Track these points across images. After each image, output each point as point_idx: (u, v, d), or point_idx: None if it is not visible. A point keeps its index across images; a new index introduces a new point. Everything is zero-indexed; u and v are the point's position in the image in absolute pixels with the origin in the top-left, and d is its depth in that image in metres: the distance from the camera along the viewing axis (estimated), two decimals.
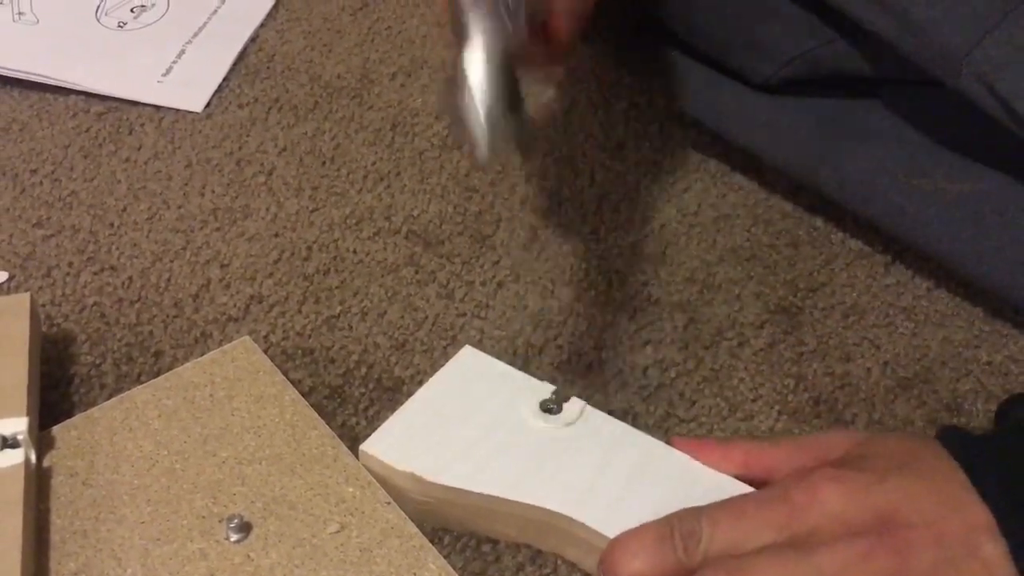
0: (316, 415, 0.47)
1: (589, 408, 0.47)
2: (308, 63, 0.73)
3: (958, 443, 0.42)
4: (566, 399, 0.47)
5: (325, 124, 0.68)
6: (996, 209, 0.53)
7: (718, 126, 0.63)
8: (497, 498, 0.43)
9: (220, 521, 0.42)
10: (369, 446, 0.45)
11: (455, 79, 0.40)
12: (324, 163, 0.65)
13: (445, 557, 0.42)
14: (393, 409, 0.47)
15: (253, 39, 0.75)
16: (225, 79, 0.71)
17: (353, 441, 0.47)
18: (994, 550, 0.39)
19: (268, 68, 0.72)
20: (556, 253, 0.59)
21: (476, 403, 0.47)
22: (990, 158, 0.54)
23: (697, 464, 0.45)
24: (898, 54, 0.50)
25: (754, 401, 0.52)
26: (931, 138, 0.56)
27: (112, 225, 0.60)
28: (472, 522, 0.45)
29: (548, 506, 0.43)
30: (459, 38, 0.41)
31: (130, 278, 0.57)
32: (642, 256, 0.59)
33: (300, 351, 0.53)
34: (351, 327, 0.55)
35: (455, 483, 0.43)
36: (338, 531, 0.42)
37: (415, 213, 0.61)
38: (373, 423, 0.49)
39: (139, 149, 0.65)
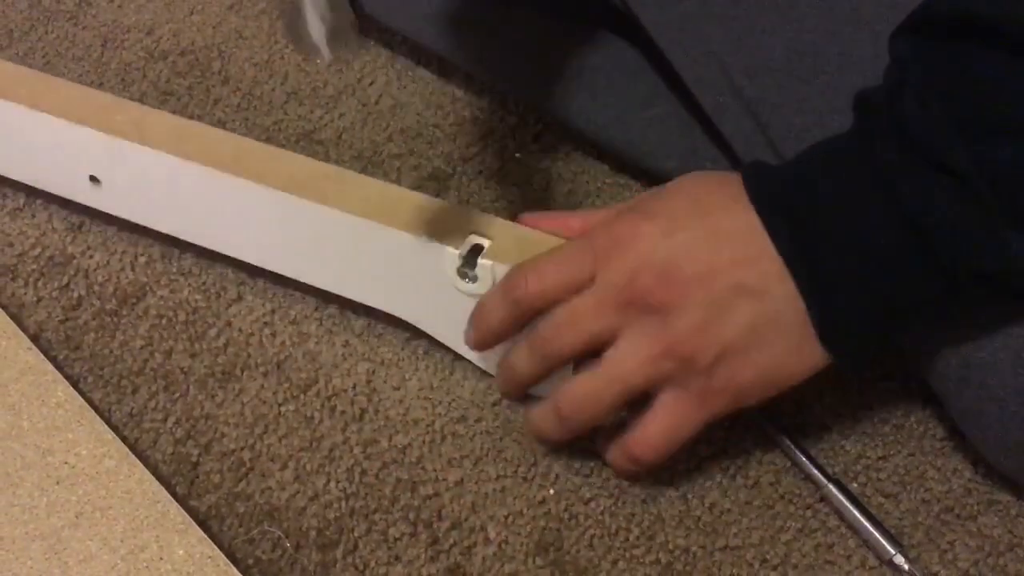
0: None
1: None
2: None
3: (756, 180, 0.44)
4: None
5: (38, 45, 0.73)
6: (607, 78, 0.62)
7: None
8: None
9: None
10: None
11: None
12: None
13: None
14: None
15: None
16: None
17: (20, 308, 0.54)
18: (782, 291, 0.42)
19: None
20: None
21: None
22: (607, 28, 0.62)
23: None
24: None
25: None
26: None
27: None
28: None
29: None
30: None
31: None
32: (315, 140, 0.66)
33: None
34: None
35: None
36: None
37: None
38: None
39: None
